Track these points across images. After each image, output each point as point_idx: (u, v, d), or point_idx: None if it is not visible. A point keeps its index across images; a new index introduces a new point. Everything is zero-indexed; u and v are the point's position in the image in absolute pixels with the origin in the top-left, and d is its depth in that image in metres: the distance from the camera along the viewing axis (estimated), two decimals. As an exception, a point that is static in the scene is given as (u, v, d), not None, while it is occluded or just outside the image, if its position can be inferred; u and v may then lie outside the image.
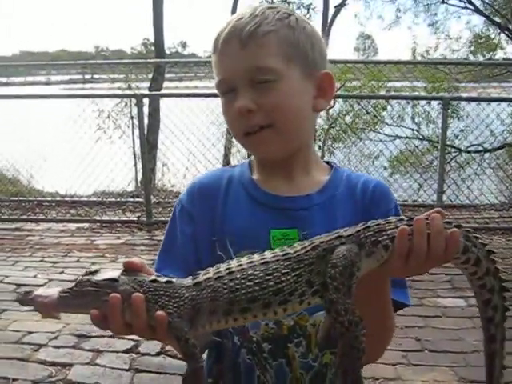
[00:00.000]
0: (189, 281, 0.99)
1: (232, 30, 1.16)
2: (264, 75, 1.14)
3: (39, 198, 7.06)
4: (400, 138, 9.09)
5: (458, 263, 1.00)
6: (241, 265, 0.98)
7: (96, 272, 1.00)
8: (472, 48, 15.39)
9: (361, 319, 0.92)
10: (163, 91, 9.96)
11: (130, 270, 1.01)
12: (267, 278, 0.95)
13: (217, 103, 7.58)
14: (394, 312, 1.19)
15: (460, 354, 3.39)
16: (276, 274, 0.95)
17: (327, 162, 1.34)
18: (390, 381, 3.10)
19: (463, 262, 0.99)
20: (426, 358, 3.34)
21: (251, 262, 0.97)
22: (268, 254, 0.98)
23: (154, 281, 0.99)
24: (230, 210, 1.24)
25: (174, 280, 1.00)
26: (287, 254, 0.97)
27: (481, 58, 15.04)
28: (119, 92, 9.09)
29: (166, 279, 0.99)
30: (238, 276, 0.96)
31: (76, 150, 7.08)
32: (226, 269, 0.98)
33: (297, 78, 1.18)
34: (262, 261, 0.97)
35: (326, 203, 1.22)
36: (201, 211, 1.25)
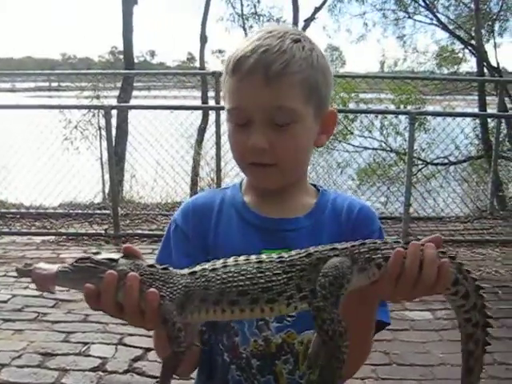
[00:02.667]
0: (185, 270, 1.04)
1: (258, 61, 1.14)
2: (284, 116, 1.16)
3: (2, 210, 6.87)
4: (368, 149, 9.22)
5: (447, 294, 1.02)
6: (237, 261, 1.02)
7: (97, 253, 1.04)
8: (438, 61, 15.75)
9: (345, 330, 0.94)
10: (132, 101, 9.89)
11: (128, 254, 1.05)
12: (259, 275, 0.99)
13: (186, 116, 7.59)
14: (375, 331, 1.21)
15: (427, 367, 3.44)
16: (268, 273, 0.99)
17: (314, 185, 1.37)
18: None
19: (452, 293, 1.01)
20: (394, 371, 3.37)
21: (247, 260, 1.02)
22: (264, 256, 1.03)
23: (151, 266, 1.03)
24: (222, 230, 1.28)
25: (170, 268, 1.04)
26: (281, 257, 1.01)
27: (446, 72, 15.42)
28: (87, 102, 8.97)
29: (163, 266, 1.04)
30: (232, 270, 1.00)
31: (42, 160, 6.94)
32: (222, 263, 1.02)
33: (311, 119, 1.21)
34: (257, 260, 1.01)
35: (312, 226, 1.25)
36: (195, 231, 1.28)
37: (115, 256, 1.03)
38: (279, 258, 1.01)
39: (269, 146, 1.16)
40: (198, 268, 1.03)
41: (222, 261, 1.03)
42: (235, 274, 0.99)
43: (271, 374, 1.22)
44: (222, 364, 1.24)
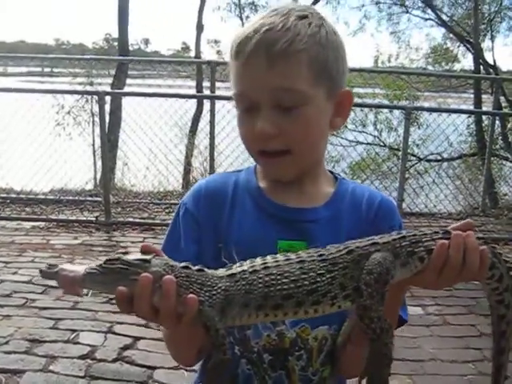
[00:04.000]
0: (222, 271, 0.99)
1: (261, 42, 1.08)
2: (291, 98, 1.09)
3: (-8, 195, 6.82)
4: (362, 143, 9.21)
5: (483, 278, 1.02)
6: (277, 261, 0.98)
7: (125, 254, 0.97)
8: (430, 59, 15.78)
9: (390, 326, 0.94)
10: (125, 89, 9.81)
11: (147, 252, 0.99)
12: (303, 276, 0.96)
13: (180, 105, 7.54)
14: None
15: (418, 362, 3.44)
16: (312, 274, 0.96)
17: (331, 172, 1.31)
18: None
19: (488, 277, 1.02)
20: (384, 366, 3.36)
21: (287, 260, 0.98)
22: (303, 254, 0.99)
23: (185, 267, 0.98)
24: (236, 218, 1.21)
25: (205, 269, 0.99)
26: (322, 255, 0.98)
27: (439, 69, 15.43)
28: (80, 88, 8.88)
29: (197, 267, 0.98)
30: (274, 272, 0.96)
31: (33, 145, 6.87)
32: (262, 263, 0.98)
33: (321, 100, 1.13)
34: (298, 259, 0.98)
35: (332, 217, 1.20)
36: (207, 216, 1.22)
37: (147, 256, 0.97)
38: (320, 255, 0.98)
39: (278, 131, 1.10)
40: (236, 270, 0.98)
41: (260, 261, 0.98)
42: (278, 277, 0.96)
43: (283, 370, 1.18)
44: (231, 358, 1.20)
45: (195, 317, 0.93)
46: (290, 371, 1.18)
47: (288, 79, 1.09)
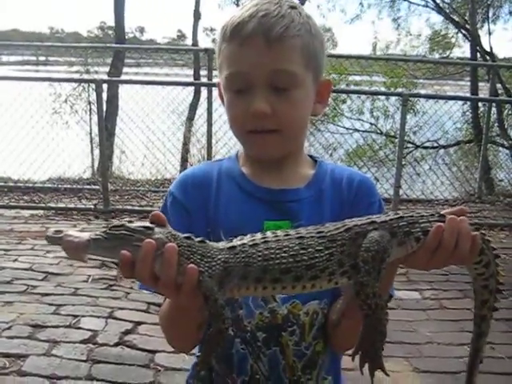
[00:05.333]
0: (223, 243, 1.01)
1: (258, 25, 1.13)
2: (286, 79, 1.15)
3: (-10, 183, 6.83)
4: (358, 131, 9.22)
5: (471, 263, 1.05)
6: (277, 236, 1.00)
7: (130, 222, 1.00)
8: (430, 45, 15.71)
9: (386, 303, 0.97)
10: (122, 77, 9.77)
11: (155, 222, 1.01)
12: (302, 251, 0.98)
13: (177, 92, 7.54)
14: None
15: (414, 345, 3.49)
16: (310, 250, 0.98)
17: (310, 156, 1.36)
18: (348, 371, 3.15)
19: (476, 262, 1.05)
20: (381, 349, 3.41)
21: (287, 235, 1.00)
22: (302, 230, 1.01)
23: (188, 237, 1.00)
24: (222, 203, 1.25)
25: (207, 241, 1.01)
26: (321, 231, 1.01)
27: (438, 56, 15.39)
28: (77, 76, 8.85)
29: (200, 239, 1.00)
30: (274, 246, 0.98)
31: (31, 134, 6.87)
32: (262, 237, 1.00)
33: (310, 85, 1.20)
34: (298, 235, 1.00)
35: (313, 196, 1.25)
36: (194, 203, 1.26)
37: (150, 225, 0.99)
38: (318, 232, 1.01)
39: (271, 110, 1.15)
40: (236, 243, 1.00)
41: (260, 235, 1.01)
42: (277, 251, 0.98)
43: (277, 346, 1.21)
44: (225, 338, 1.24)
45: (194, 287, 0.96)
46: (283, 347, 1.21)
47: (284, 62, 1.15)
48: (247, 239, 1.01)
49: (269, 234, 1.01)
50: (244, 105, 1.17)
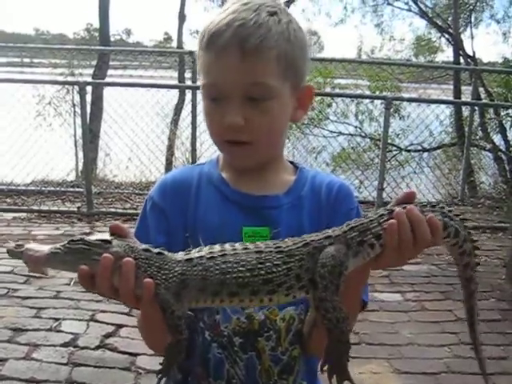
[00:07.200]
0: (180, 255, 1.02)
1: (233, 36, 1.12)
2: (261, 92, 1.14)
3: (-27, 186, 6.76)
4: (343, 134, 9.26)
5: (441, 241, 1.07)
6: (235, 249, 1.01)
7: (89, 234, 1.02)
8: (414, 50, 15.86)
9: (347, 316, 0.97)
10: (107, 79, 9.73)
11: (115, 233, 1.02)
12: (259, 266, 0.98)
13: (162, 94, 7.52)
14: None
15: (395, 346, 3.52)
16: (268, 264, 0.99)
17: (291, 162, 1.37)
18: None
19: (445, 237, 1.06)
20: (363, 350, 3.44)
21: (245, 249, 1.00)
22: (261, 245, 1.02)
23: (146, 250, 1.01)
24: (201, 207, 1.25)
25: (165, 253, 1.02)
26: (279, 247, 1.01)
27: (422, 60, 15.54)
28: (61, 78, 8.80)
29: (157, 250, 1.02)
30: (231, 260, 0.99)
31: (13, 136, 6.82)
32: (220, 250, 1.00)
33: (287, 94, 1.20)
34: (256, 249, 1.00)
35: (293, 203, 1.25)
36: (173, 207, 1.25)
37: (108, 237, 1.00)
38: (277, 247, 1.01)
39: (246, 122, 1.15)
40: (194, 255, 1.01)
41: (219, 248, 1.01)
42: (235, 265, 0.98)
43: (254, 351, 1.21)
44: (202, 343, 1.23)
45: (152, 299, 0.97)
46: (260, 352, 1.22)
47: (259, 74, 1.14)
48: (205, 251, 1.01)
49: (227, 246, 1.01)
50: (219, 114, 1.17)
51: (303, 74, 1.24)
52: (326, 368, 1.01)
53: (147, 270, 0.98)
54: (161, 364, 1.02)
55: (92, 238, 1.00)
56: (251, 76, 1.13)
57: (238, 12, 1.15)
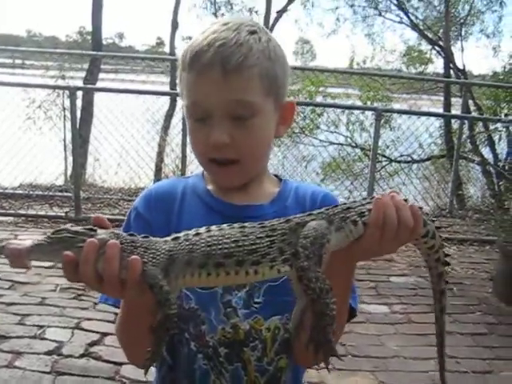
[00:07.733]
0: (167, 238, 1.04)
1: (215, 56, 1.13)
2: (244, 109, 1.16)
3: (-41, 189, 6.69)
4: (334, 144, 9.30)
5: (419, 235, 1.08)
6: (220, 227, 1.04)
7: (72, 226, 1.01)
8: (405, 61, 15.98)
9: (331, 288, 0.98)
10: (98, 84, 9.70)
11: (98, 225, 1.02)
12: (243, 238, 1.01)
13: (153, 101, 7.50)
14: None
15: (381, 358, 3.52)
16: (251, 237, 1.02)
17: (276, 176, 1.40)
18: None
19: (424, 235, 1.08)
20: (349, 362, 3.43)
21: (230, 225, 1.04)
22: (245, 224, 1.04)
23: (131, 234, 1.03)
24: (185, 217, 1.26)
25: (150, 237, 1.04)
26: (263, 223, 1.05)
27: (413, 71, 15.65)
28: (52, 81, 8.75)
29: (143, 235, 1.03)
30: (216, 233, 1.02)
31: (2, 139, 6.76)
32: (206, 228, 1.04)
33: (270, 111, 1.21)
34: (240, 226, 1.04)
35: (277, 213, 1.24)
36: (157, 217, 1.26)
37: (93, 227, 1.01)
38: (260, 223, 1.04)
39: (230, 140, 1.16)
40: (180, 234, 1.03)
41: (204, 227, 1.04)
42: (220, 238, 1.01)
43: (239, 362, 1.21)
44: (187, 354, 1.22)
45: (139, 280, 0.96)
46: (245, 363, 1.22)
47: (242, 92, 1.15)
48: (192, 231, 1.04)
49: (213, 227, 1.04)
50: (204, 134, 1.18)
51: (284, 90, 1.26)
52: (311, 347, 1.00)
53: (133, 252, 0.99)
54: (148, 351, 1.00)
55: (76, 228, 1.00)
56: (234, 94, 1.15)
57: (218, 32, 1.16)
